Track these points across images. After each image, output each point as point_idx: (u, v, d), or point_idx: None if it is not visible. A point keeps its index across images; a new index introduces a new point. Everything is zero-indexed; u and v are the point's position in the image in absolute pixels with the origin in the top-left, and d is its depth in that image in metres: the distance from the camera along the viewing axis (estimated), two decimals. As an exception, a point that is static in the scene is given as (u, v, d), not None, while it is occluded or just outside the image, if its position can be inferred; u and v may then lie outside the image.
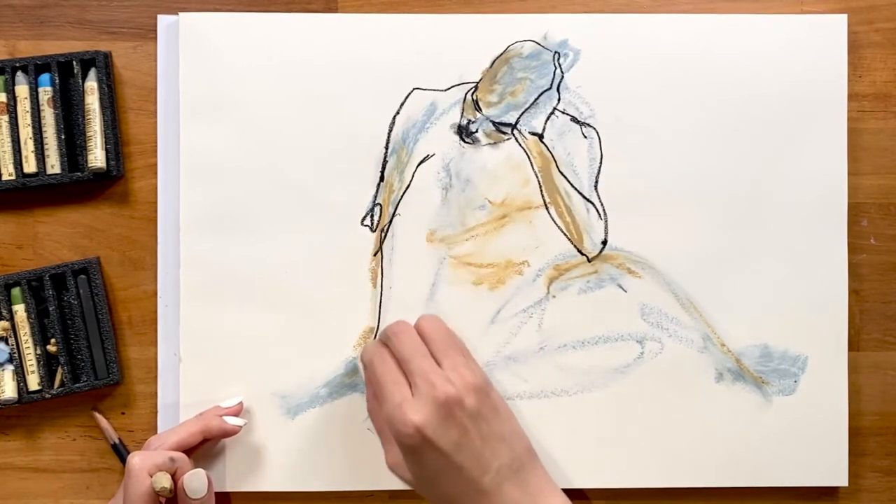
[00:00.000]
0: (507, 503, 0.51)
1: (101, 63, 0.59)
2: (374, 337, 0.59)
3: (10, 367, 0.58)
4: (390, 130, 0.59)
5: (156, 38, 0.60)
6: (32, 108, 0.58)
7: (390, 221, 0.59)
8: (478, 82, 0.59)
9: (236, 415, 0.58)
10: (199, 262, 0.59)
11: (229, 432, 0.57)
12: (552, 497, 0.52)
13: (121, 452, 0.59)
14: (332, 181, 0.59)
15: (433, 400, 0.50)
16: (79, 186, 0.60)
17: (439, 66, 0.59)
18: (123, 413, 0.60)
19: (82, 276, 0.59)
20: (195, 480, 0.52)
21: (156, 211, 0.60)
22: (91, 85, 0.59)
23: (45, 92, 0.59)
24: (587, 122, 0.59)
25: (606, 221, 0.60)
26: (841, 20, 0.60)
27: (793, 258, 0.60)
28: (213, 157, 0.59)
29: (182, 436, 0.55)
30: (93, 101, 0.59)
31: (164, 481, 0.52)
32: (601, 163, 0.60)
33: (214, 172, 0.59)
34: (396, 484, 0.59)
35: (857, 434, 0.61)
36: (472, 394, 0.51)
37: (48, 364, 0.59)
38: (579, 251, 0.60)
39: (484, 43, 0.59)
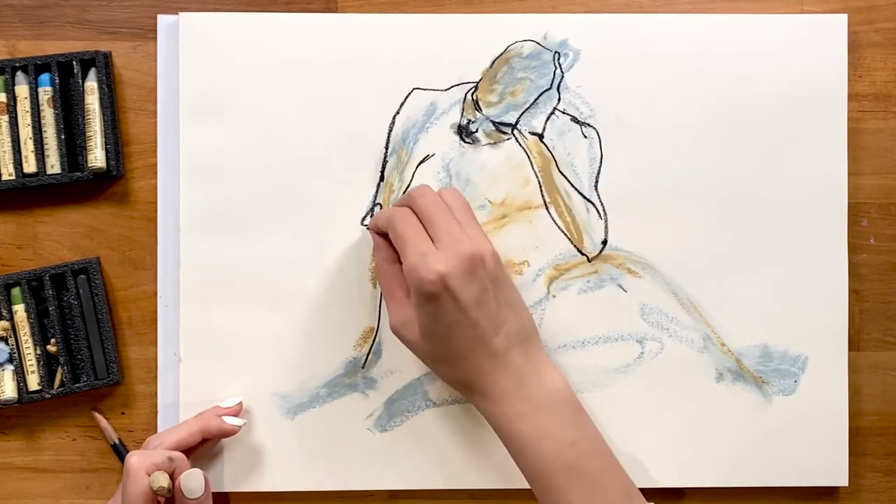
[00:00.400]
0: (511, 368, 0.52)
1: (101, 63, 0.59)
2: (375, 337, 0.59)
3: (10, 367, 0.58)
4: (390, 130, 0.59)
5: (156, 38, 0.60)
6: (32, 108, 0.58)
7: (390, 221, 0.59)
8: (478, 82, 0.59)
9: (236, 415, 0.58)
10: (199, 262, 0.59)
11: (228, 432, 0.57)
12: (553, 371, 0.53)
13: (120, 452, 0.59)
14: (332, 181, 0.59)
15: (458, 254, 0.50)
16: (79, 186, 0.60)
17: (439, 66, 0.59)
18: (123, 413, 0.60)
19: (82, 276, 0.59)
20: (192, 480, 0.52)
21: (156, 211, 0.60)
22: (91, 85, 0.59)
23: (45, 92, 0.59)
24: (587, 122, 0.59)
25: (606, 221, 0.60)
26: (841, 20, 0.60)
27: (793, 258, 0.60)
28: (213, 157, 0.59)
29: (181, 435, 0.55)
30: (93, 101, 0.59)
31: (162, 480, 0.52)
32: (601, 163, 0.60)
33: (214, 172, 0.59)
34: (396, 484, 0.59)
35: (857, 434, 0.61)
36: (492, 257, 0.52)
37: (48, 364, 0.59)
38: (579, 251, 0.60)
39: (484, 43, 0.59)
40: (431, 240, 0.51)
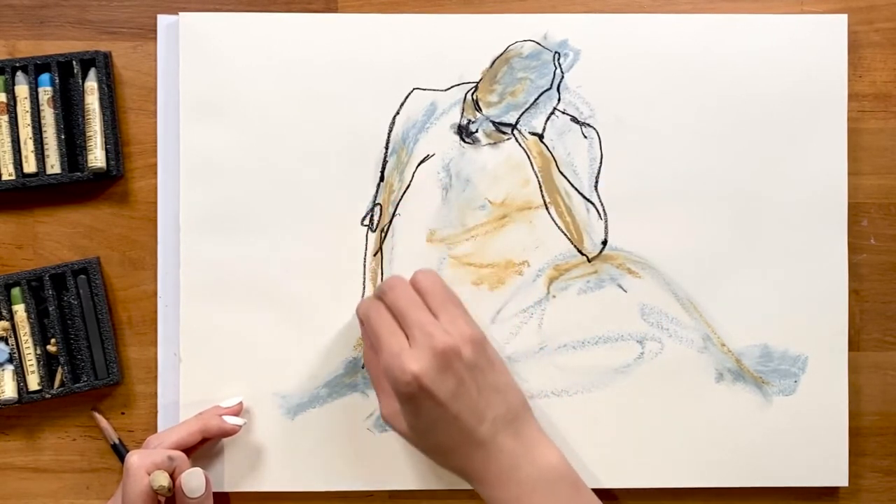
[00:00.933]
0: (502, 453, 0.51)
1: (101, 63, 0.59)
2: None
3: (10, 367, 0.58)
4: (390, 130, 0.59)
5: (156, 38, 0.60)
6: (32, 108, 0.58)
7: (390, 221, 0.59)
8: (478, 82, 0.59)
9: (236, 414, 0.58)
10: (199, 262, 0.59)
11: (228, 432, 0.57)
12: (547, 448, 0.53)
13: (120, 452, 0.59)
14: (332, 181, 0.59)
15: (431, 349, 0.50)
16: (79, 186, 0.60)
17: (439, 66, 0.59)
18: (123, 413, 0.60)
19: (82, 276, 0.59)
20: (193, 479, 0.52)
21: (156, 211, 0.60)
22: (91, 85, 0.59)
23: (45, 92, 0.59)
24: (587, 122, 0.59)
25: (606, 221, 0.60)
26: (841, 20, 0.60)
27: (793, 258, 0.60)
28: (213, 157, 0.59)
29: (181, 435, 0.55)
30: (93, 101, 0.59)
31: (163, 480, 0.52)
32: (601, 163, 0.59)
33: (214, 172, 0.59)
34: (396, 484, 0.59)
35: (857, 434, 0.61)
36: (469, 345, 0.51)
37: (48, 364, 0.59)
38: (579, 251, 0.60)
39: (484, 43, 0.59)
40: (405, 335, 0.51)
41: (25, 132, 0.58)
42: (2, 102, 0.58)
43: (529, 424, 0.53)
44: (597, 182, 0.60)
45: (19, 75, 0.59)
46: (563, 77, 0.59)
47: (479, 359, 0.52)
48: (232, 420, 0.57)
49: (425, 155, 0.60)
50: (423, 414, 0.51)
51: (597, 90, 0.59)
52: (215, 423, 0.57)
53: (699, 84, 0.59)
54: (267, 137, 0.59)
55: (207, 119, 0.59)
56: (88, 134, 0.59)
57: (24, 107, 0.58)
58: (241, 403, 0.58)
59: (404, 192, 0.59)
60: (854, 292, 0.61)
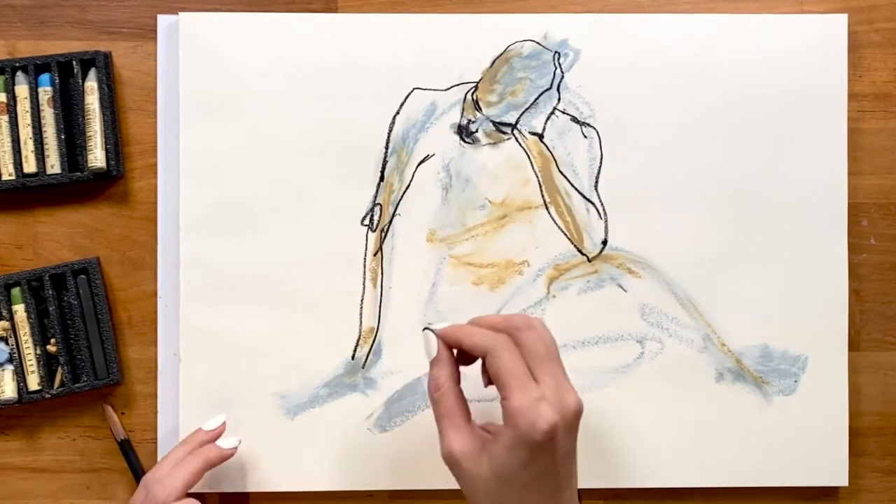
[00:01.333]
0: None
1: (101, 63, 0.59)
2: (375, 337, 0.59)
3: (10, 367, 0.58)
4: (390, 130, 0.59)
5: (156, 38, 0.60)
6: (32, 108, 0.58)
7: (390, 221, 0.59)
8: (478, 82, 0.59)
9: (220, 434, 0.58)
10: (199, 262, 0.59)
11: (228, 456, 0.57)
12: None
13: (126, 451, 0.59)
14: (332, 181, 0.59)
15: (567, 406, 0.48)
16: (79, 186, 0.60)
17: (439, 66, 0.59)
18: (123, 413, 0.60)
19: (82, 276, 0.59)
20: None
21: (156, 211, 0.60)
22: (91, 85, 0.59)
23: (45, 92, 0.59)
24: (587, 122, 0.59)
25: (606, 221, 0.60)
26: (841, 20, 0.60)
27: (793, 258, 0.60)
28: (213, 157, 0.59)
29: (187, 479, 0.54)
30: (93, 101, 0.59)
31: None
32: (601, 163, 0.59)
33: (214, 172, 0.59)
34: (396, 484, 0.59)
35: (857, 434, 0.61)
36: (582, 413, 0.50)
37: (48, 364, 0.59)
38: (579, 251, 0.60)
39: (484, 43, 0.59)
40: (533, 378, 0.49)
41: (25, 132, 0.58)
42: (2, 102, 0.58)
43: (575, 497, 0.52)
44: (597, 182, 0.60)
45: (19, 75, 0.59)
46: (563, 77, 0.59)
47: (578, 428, 0.51)
48: (228, 444, 0.57)
49: (425, 155, 0.60)
50: (534, 466, 0.48)
51: (597, 90, 0.59)
52: (214, 453, 0.56)
53: (699, 84, 0.59)
54: (267, 137, 0.59)
55: (207, 119, 0.59)
56: (88, 134, 0.59)
57: (24, 107, 0.58)
58: (224, 423, 0.58)
59: (404, 192, 0.59)
60: (854, 292, 0.61)
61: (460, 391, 0.51)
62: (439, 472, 0.58)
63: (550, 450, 0.48)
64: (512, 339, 0.50)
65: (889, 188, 0.61)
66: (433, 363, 0.52)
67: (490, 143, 0.60)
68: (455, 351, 0.52)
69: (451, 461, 0.49)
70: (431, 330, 0.52)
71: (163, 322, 0.60)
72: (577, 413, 0.49)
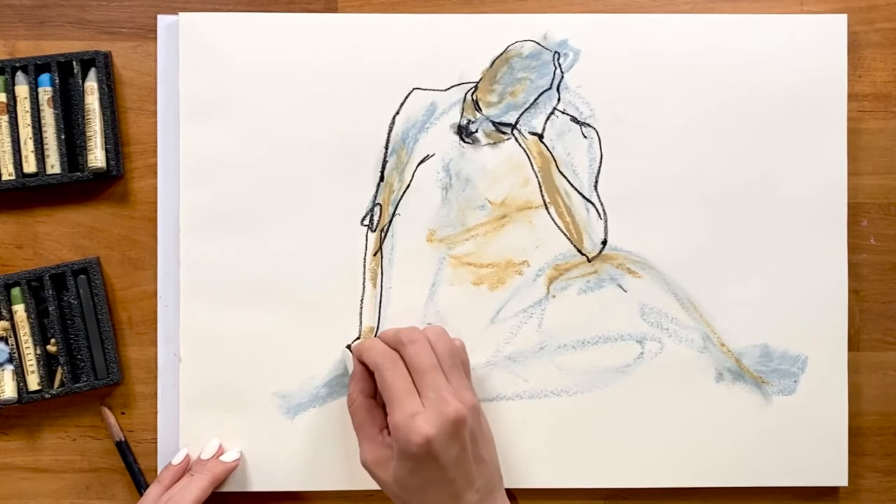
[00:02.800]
0: None
1: (101, 63, 0.59)
2: (375, 336, 0.59)
3: (10, 367, 0.58)
4: (390, 130, 0.59)
5: (156, 38, 0.60)
6: (32, 108, 0.58)
7: (390, 221, 0.59)
8: (478, 82, 0.59)
9: (219, 455, 0.58)
10: (199, 262, 0.59)
11: (233, 469, 0.58)
12: None
13: (124, 451, 0.59)
14: (332, 181, 0.59)
15: (444, 416, 0.51)
16: (79, 186, 0.60)
17: (439, 66, 0.59)
18: (123, 413, 0.60)
19: (82, 276, 0.59)
20: None
21: (156, 211, 0.60)
22: (91, 85, 0.59)
23: (45, 92, 0.59)
24: (587, 121, 0.59)
25: (606, 221, 0.60)
26: (841, 20, 0.60)
27: (793, 258, 0.60)
28: (213, 157, 0.59)
29: (198, 494, 0.56)
30: (93, 101, 0.59)
31: None
32: (601, 163, 0.59)
33: (214, 172, 0.59)
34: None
35: (857, 434, 0.61)
36: (472, 414, 0.53)
37: (48, 364, 0.59)
38: (579, 251, 0.60)
39: (484, 43, 0.59)
40: (417, 391, 0.53)
41: (25, 132, 0.58)
42: (2, 102, 0.58)
43: (503, 497, 0.55)
44: (597, 182, 0.60)
45: (19, 75, 0.59)
46: (562, 77, 0.59)
47: (476, 427, 0.54)
48: (230, 457, 0.58)
49: (425, 155, 0.60)
50: (420, 474, 0.52)
51: (597, 90, 0.59)
52: (220, 468, 0.57)
53: (699, 84, 0.59)
54: (267, 137, 0.59)
55: (207, 119, 0.59)
56: (88, 134, 0.59)
57: (24, 107, 0.58)
58: (221, 446, 0.59)
59: (404, 192, 0.59)
60: (854, 292, 0.61)
61: (372, 403, 0.56)
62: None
63: (432, 459, 0.51)
64: (399, 359, 0.54)
65: (889, 188, 0.61)
66: (350, 379, 0.57)
67: (490, 143, 0.60)
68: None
69: (366, 468, 0.55)
70: (348, 348, 0.58)
71: (163, 322, 0.60)
72: (457, 421, 0.52)
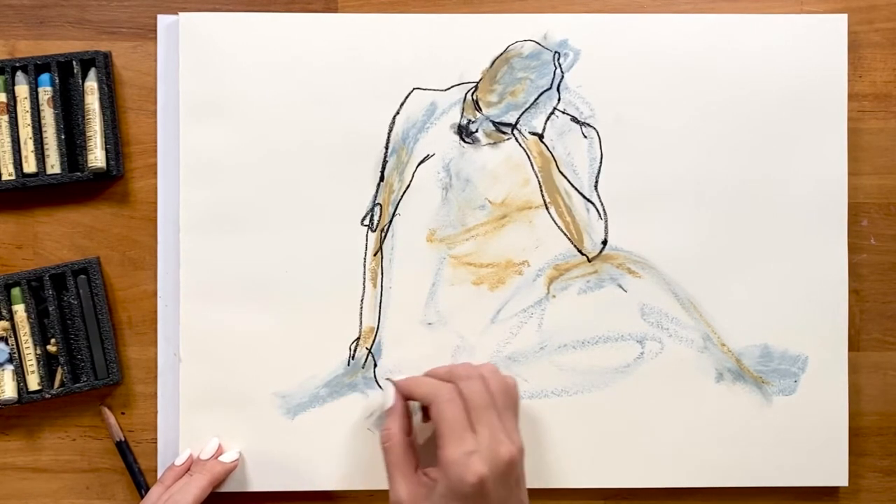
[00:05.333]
0: None
1: (101, 63, 0.59)
2: (374, 337, 0.59)
3: (10, 367, 0.58)
4: (390, 130, 0.59)
5: (156, 38, 0.60)
6: (32, 108, 0.58)
7: (390, 221, 0.59)
8: (478, 82, 0.59)
9: (219, 455, 0.58)
10: (199, 262, 0.59)
11: (232, 470, 0.58)
12: None
13: (124, 451, 0.59)
14: (332, 181, 0.59)
15: (498, 457, 0.51)
16: (79, 186, 0.60)
17: (439, 66, 0.59)
18: (123, 413, 0.60)
19: (82, 276, 0.59)
20: None
21: (156, 211, 0.60)
22: (91, 85, 0.59)
23: (45, 92, 0.59)
24: (587, 121, 0.60)
25: (606, 221, 0.60)
26: (841, 20, 0.60)
27: (793, 258, 0.60)
28: (213, 157, 0.59)
29: (197, 494, 0.56)
30: (93, 101, 0.59)
31: None
32: (601, 163, 0.60)
33: (214, 172, 0.59)
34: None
35: (857, 434, 0.61)
36: (520, 457, 0.53)
37: (48, 364, 0.59)
38: (579, 251, 0.60)
39: (484, 43, 0.59)
40: (471, 428, 0.52)
41: (25, 132, 0.58)
42: (2, 102, 0.58)
43: None
44: (597, 182, 0.60)
45: (19, 75, 0.59)
46: (563, 77, 0.59)
47: (521, 471, 0.53)
48: (229, 458, 0.58)
49: (425, 155, 0.60)
50: None
51: (597, 90, 0.59)
52: (219, 469, 0.57)
53: (699, 84, 0.59)
54: (267, 137, 0.59)
55: (207, 119, 0.59)
56: (88, 134, 0.59)
57: (24, 107, 0.58)
58: (220, 446, 0.59)
59: (404, 191, 0.59)
60: (854, 292, 0.61)
61: (409, 442, 0.55)
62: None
63: (482, 499, 0.50)
64: (456, 389, 0.53)
65: (889, 188, 0.61)
66: (388, 413, 0.56)
67: (490, 143, 0.60)
68: (416, 402, 0.56)
69: None
70: (391, 381, 0.56)
71: (163, 322, 0.60)
72: (511, 463, 0.51)
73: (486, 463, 0.50)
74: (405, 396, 0.56)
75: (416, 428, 0.57)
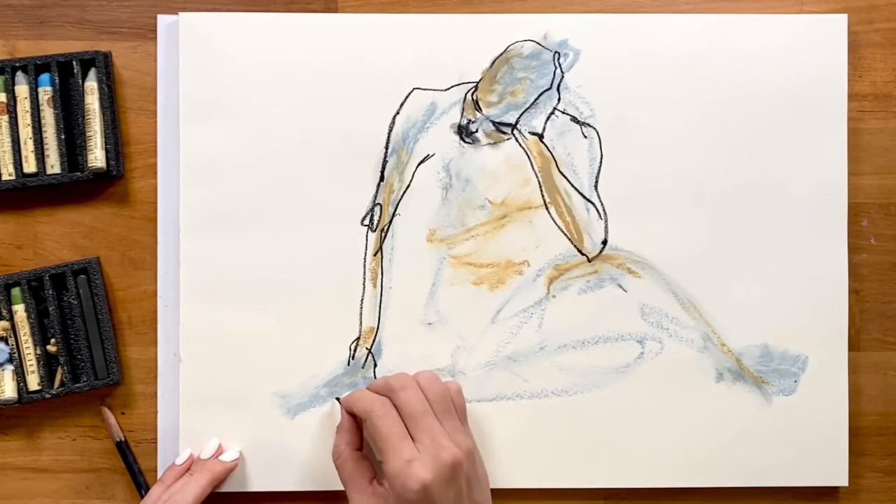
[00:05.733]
0: None
1: (101, 63, 0.59)
2: (374, 337, 0.59)
3: (10, 367, 0.58)
4: (390, 130, 0.59)
5: (156, 38, 0.60)
6: (32, 108, 0.58)
7: (390, 221, 0.59)
8: (478, 82, 0.59)
9: (219, 455, 0.58)
10: (199, 262, 0.59)
11: (232, 469, 0.58)
12: None
13: (125, 451, 0.59)
14: (332, 181, 0.59)
15: (440, 461, 0.51)
16: (79, 186, 0.60)
17: (439, 66, 0.59)
18: (123, 413, 0.60)
19: (82, 276, 0.59)
20: None
21: (156, 211, 0.60)
22: (91, 85, 0.59)
23: (45, 92, 0.59)
24: (587, 121, 0.59)
25: (606, 221, 0.60)
26: (841, 20, 0.60)
27: (793, 258, 0.60)
28: (213, 157, 0.59)
29: (197, 493, 0.56)
30: (93, 101, 0.59)
31: None
32: (601, 163, 0.60)
33: (214, 172, 0.59)
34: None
35: (857, 434, 0.61)
36: (468, 458, 0.53)
37: (48, 364, 0.59)
38: (579, 251, 0.60)
39: (484, 43, 0.59)
40: (411, 436, 0.52)
41: (25, 132, 0.58)
42: (2, 102, 0.58)
43: None
44: (597, 182, 0.60)
45: (19, 75, 0.59)
46: (563, 77, 0.59)
47: (472, 471, 0.53)
48: (229, 457, 0.58)
49: (425, 155, 0.60)
50: None
51: (597, 90, 0.59)
52: (219, 468, 0.57)
53: (699, 84, 0.59)
54: (267, 137, 0.59)
55: (207, 119, 0.59)
56: (88, 134, 0.59)
57: (24, 107, 0.58)
58: (220, 445, 0.59)
59: (404, 192, 0.59)
60: (854, 292, 0.61)
61: (359, 455, 0.56)
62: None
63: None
64: (388, 402, 0.54)
65: (889, 188, 0.61)
66: (337, 430, 0.57)
67: (490, 143, 0.60)
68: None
69: None
70: (338, 400, 0.58)
71: (163, 322, 0.60)
72: (454, 466, 0.51)
73: (428, 469, 0.50)
74: (349, 413, 0.56)
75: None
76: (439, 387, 0.55)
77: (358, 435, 0.56)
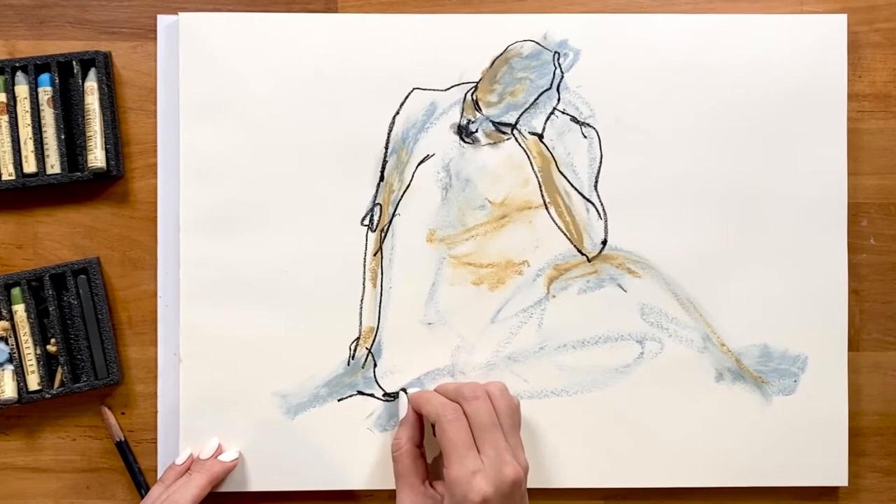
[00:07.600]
0: None
1: (101, 63, 0.59)
2: (374, 337, 0.59)
3: (10, 367, 0.58)
4: (390, 130, 0.59)
5: (156, 38, 0.60)
6: (32, 108, 0.58)
7: (390, 221, 0.59)
8: (478, 82, 0.59)
9: (218, 455, 0.58)
10: (199, 262, 0.59)
11: (231, 469, 0.58)
12: None
13: (125, 451, 0.59)
14: (332, 181, 0.59)
15: (503, 477, 0.52)
16: (79, 186, 0.60)
17: (439, 66, 0.59)
18: (123, 413, 0.60)
19: (82, 276, 0.59)
20: None
21: (156, 211, 0.60)
22: (91, 85, 0.59)
23: (45, 92, 0.59)
24: (587, 122, 0.60)
25: (606, 221, 0.60)
26: (841, 20, 0.60)
27: (793, 258, 0.60)
28: (213, 157, 0.59)
29: (196, 493, 0.56)
30: (93, 101, 0.59)
31: None
32: (601, 163, 0.60)
33: (214, 172, 0.59)
34: (396, 484, 0.59)
35: (857, 434, 0.61)
36: (525, 478, 0.53)
37: (48, 364, 0.59)
38: (579, 251, 0.60)
39: (484, 43, 0.59)
40: (476, 447, 0.52)
41: (25, 132, 0.58)
42: (2, 102, 0.58)
43: None
44: (597, 182, 0.60)
45: (19, 75, 0.59)
46: (562, 77, 0.59)
47: (525, 491, 0.54)
48: (229, 457, 0.58)
49: (425, 155, 0.60)
50: None
51: (597, 90, 0.59)
52: (218, 468, 0.57)
53: (699, 84, 0.59)
54: (267, 137, 0.59)
55: (207, 119, 0.59)
56: (88, 134, 0.59)
57: (24, 107, 0.58)
58: (220, 445, 0.59)
59: (404, 191, 0.59)
60: (854, 292, 0.61)
61: (419, 452, 0.56)
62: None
63: None
64: (460, 409, 0.54)
65: (889, 188, 0.61)
66: (400, 423, 0.57)
67: (490, 143, 0.60)
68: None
69: None
70: (405, 392, 0.58)
71: (163, 322, 0.60)
72: (515, 483, 0.52)
73: (491, 483, 0.51)
74: (415, 410, 0.56)
75: (428, 440, 0.57)
76: (508, 401, 0.55)
77: (420, 432, 0.56)
